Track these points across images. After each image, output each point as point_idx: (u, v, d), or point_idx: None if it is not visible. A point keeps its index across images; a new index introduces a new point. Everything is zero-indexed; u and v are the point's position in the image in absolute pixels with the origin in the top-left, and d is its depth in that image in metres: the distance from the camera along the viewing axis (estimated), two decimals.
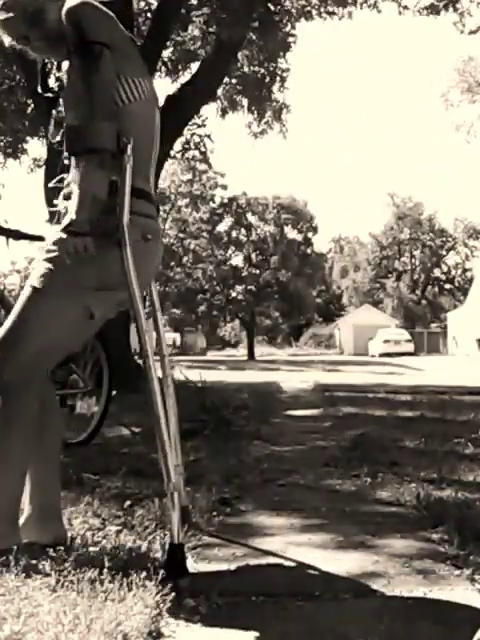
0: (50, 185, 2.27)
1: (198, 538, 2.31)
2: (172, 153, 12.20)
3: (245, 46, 10.83)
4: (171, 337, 43.94)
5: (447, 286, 60.52)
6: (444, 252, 60.42)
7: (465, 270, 59.27)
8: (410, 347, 40.55)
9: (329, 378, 12.62)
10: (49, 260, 2.06)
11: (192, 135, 13.54)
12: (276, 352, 49.82)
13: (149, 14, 11.98)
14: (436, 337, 49.35)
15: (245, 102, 12.28)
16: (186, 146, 13.47)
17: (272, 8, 10.45)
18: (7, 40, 2.17)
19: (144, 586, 1.77)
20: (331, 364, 22.13)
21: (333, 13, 10.91)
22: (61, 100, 2.25)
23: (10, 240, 4.32)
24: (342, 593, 1.86)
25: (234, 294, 40.94)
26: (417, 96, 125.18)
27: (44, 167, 9.50)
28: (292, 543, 2.32)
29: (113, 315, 2.23)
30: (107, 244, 2.02)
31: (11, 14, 2.15)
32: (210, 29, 10.53)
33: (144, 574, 1.85)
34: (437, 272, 60.68)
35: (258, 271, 41.47)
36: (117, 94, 2.09)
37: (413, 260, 60.80)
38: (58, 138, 2.34)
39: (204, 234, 40.76)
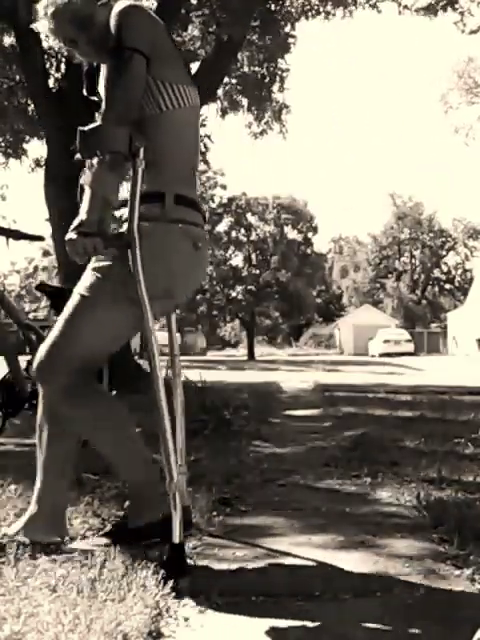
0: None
1: (198, 538, 2.31)
2: None
3: (245, 46, 10.82)
4: None
5: (447, 286, 60.52)
6: (444, 252, 60.43)
7: (465, 270, 59.27)
8: (410, 347, 40.53)
9: (329, 378, 12.62)
10: (98, 270, 2.09)
11: None
12: (276, 352, 49.82)
13: None
14: (436, 337, 49.33)
15: (245, 102, 12.27)
16: None
17: (272, 8, 10.46)
18: (55, 42, 2.17)
19: (144, 586, 1.77)
20: (331, 364, 22.13)
21: (333, 13, 10.91)
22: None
23: (10, 240, 4.32)
24: (342, 593, 1.86)
25: (234, 294, 40.91)
26: (417, 96, 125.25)
27: (45, 167, 9.50)
28: (292, 543, 2.32)
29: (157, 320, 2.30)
30: (152, 255, 2.04)
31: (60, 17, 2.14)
32: (210, 29, 10.52)
33: (144, 574, 1.85)
34: (437, 272, 60.68)
35: (258, 271, 41.47)
36: (159, 100, 2.10)
37: (413, 260, 60.80)
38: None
39: None
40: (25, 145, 12.67)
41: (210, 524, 2.48)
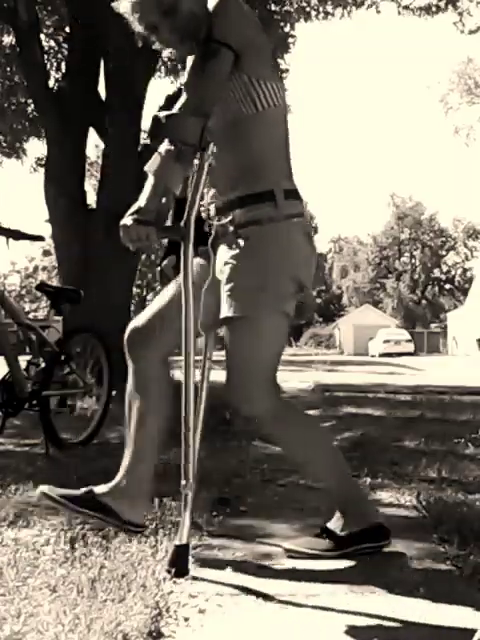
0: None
1: (198, 538, 2.31)
2: None
3: None
4: None
5: (447, 286, 60.56)
6: (444, 252, 60.46)
7: (465, 270, 59.31)
8: (410, 347, 40.58)
9: (329, 378, 12.62)
10: (247, 285, 2.05)
11: None
12: None
13: None
14: (436, 337, 49.37)
15: None
16: None
17: (272, 8, 10.45)
18: (137, 27, 2.12)
19: (144, 586, 1.77)
20: (331, 364, 22.11)
21: (332, 14, 10.91)
22: None
23: (10, 240, 4.32)
24: (342, 593, 1.86)
25: None
26: (417, 96, 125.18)
27: (45, 167, 9.49)
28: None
29: None
30: (281, 255, 2.05)
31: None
32: None
33: (144, 574, 1.85)
34: (437, 272, 60.72)
35: None
36: (255, 99, 2.07)
37: (413, 260, 60.82)
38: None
39: None
40: (25, 145, 12.68)
41: (210, 524, 2.47)
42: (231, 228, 2.08)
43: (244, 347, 2.08)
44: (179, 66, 12.78)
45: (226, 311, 2.06)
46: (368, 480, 3.25)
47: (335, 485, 2.26)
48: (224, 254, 2.10)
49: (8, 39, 11.03)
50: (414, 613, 1.73)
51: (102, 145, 10.11)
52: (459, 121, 39.10)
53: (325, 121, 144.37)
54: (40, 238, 4.70)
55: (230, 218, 2.08)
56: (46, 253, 34.73)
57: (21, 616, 1.58)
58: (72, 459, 3.61)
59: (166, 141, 2.05)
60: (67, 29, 10.60)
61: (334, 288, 67.28)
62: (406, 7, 10.90)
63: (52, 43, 11.74)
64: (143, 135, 9.60)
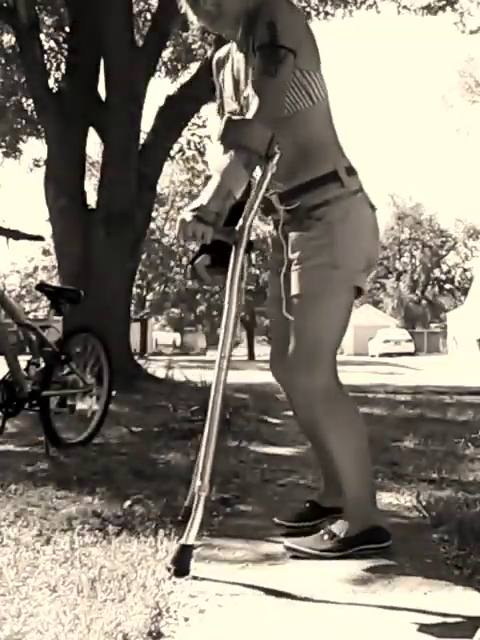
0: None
1: (198, 538, 2.31)
2: (171, 153, 12.20)
3: None
4: (171, 337, 43.96)
5: (447, 286, 60.52)
6: (444, 252, 60.43)
7: (465, 270, 59.29)
8: (410, 347, 40.57)
9: None
10: (320, 263, 2.10)
11: (192, 135, 13.55)
12: None
13: (149, 14, 11.99)
14: (436, 337, 49.38)
15: None
16: (187, 146, 13.48)
17: None
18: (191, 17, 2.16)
19: (144, 586, 1.77)
20: None
21: (332, 14, 10.91)
22: None
23: (10, 240, 4.32)
24: (342, 593, 1.86)
25: None
26: (417, 96, 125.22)
27: (45, 167, 9.49)
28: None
29: None
30: (353, 233, 2.11)
31: None
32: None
33: (144, 574, 1.85)
34: (437, 272, 60.69)
35: (258, 271, 41.45)
36: (310, 93, 2.12)
37: (413, 260, 60.80)
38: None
39: None
40: (21, 145, 12.69)
41: (210, 524, 2.47)
42: (301, 212, 2.15)
43: (314, 322, 2.14)
44: (179, 66, 12.79)
45: (297, 289, 2.14)
46: None
47: (352, 485, 2.20)
48: (295, 237, 2.17)
49: (8, 39, 11.03)
50: (414, 613, 1.73)
51: (102, 145, 10.11)
52: (459, 120, 39.17)
53: None
54: (40, 238, 4.70)
55: (298, 204, 2.15)
56: (46, 253, 34.72)
57: (21, 616, 1.58)
58: (72, 459, 3.61)
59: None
60: (67, 29, 10.61)
61: None
62: (406, 7, 10.91)
63: (52, 43, 11.75)
64: (143, 135, 9.60)
